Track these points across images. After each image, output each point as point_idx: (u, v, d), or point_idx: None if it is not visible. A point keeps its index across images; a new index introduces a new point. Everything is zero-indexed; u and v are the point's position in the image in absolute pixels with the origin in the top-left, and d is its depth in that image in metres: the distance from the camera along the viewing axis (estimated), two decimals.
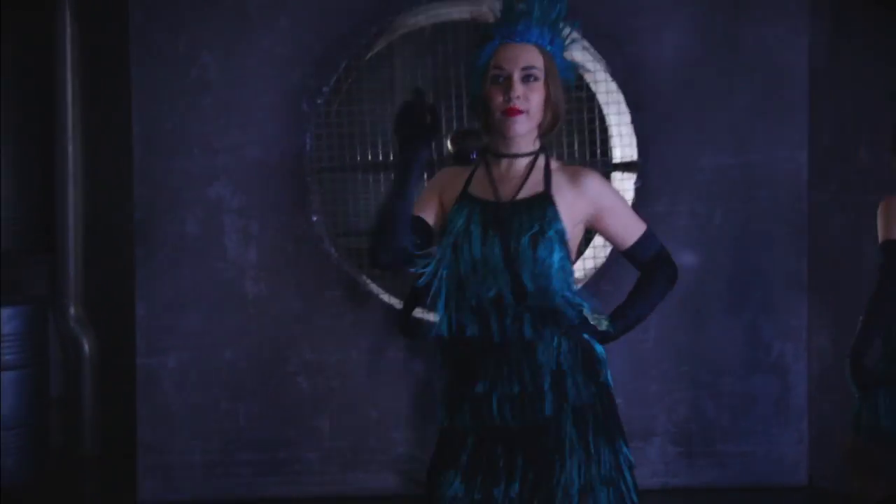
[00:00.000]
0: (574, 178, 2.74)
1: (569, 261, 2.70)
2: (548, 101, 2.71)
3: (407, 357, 5.33)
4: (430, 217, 2.81)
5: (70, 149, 5.79)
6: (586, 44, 5.34)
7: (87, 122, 5.77)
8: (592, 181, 2.74)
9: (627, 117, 5.40)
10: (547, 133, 2.77)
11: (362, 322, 5.39)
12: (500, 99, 2.68)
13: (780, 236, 5.42)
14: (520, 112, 2.67)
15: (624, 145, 5.55)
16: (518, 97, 2.66)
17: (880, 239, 3.92)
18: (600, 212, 2.75)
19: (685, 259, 5.34)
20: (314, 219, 5.36)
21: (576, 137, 5.58)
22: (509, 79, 2.67)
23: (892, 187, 4.99)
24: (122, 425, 5.77)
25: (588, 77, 5.58)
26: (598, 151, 5.61)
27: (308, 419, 5.40)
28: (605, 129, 5.67)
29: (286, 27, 5.40)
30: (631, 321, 2.81)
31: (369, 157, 5.59)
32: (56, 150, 5.84)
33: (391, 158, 5.53)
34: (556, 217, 2.66)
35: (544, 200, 2.69)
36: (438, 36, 5.80)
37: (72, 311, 5.91)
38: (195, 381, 5.39)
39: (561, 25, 2.77)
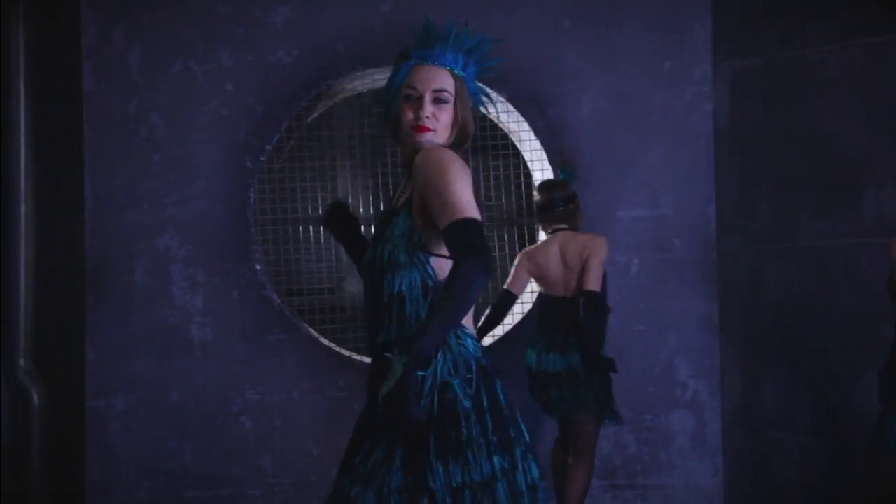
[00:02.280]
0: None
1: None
2: (455, 122, 2.83)
3: (347, 397, 5.58)
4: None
5: (22, 208, 6.01)
6: (511, 107, 5.77)
7: (38, 179, 5.99)
8: (420, 159, 2.72)
9: (550, 173, 5.78)
10: (454, 149, 2.82)
11: (303, 364, 5.65)
12: (410, 116, 2.79)
13: (692, 283, 5.80)
14: (427, 130, 2.79)
15: None
16: (428, 117, 2.78)
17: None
18: (422, 190, 2.69)
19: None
20: (257, 267, 5.66)
21: (503, 191, 5.98)
22: (420, 99, 2.79)
23: (793, 237, 5.44)
24: (71, 469, 5.90)
25: (514, 136, 6.01)
26: (525, 205, 6.02)
27: (252, 457, 5.61)
28: (530, 185, 6.07)
29: (231, 91, 5.71)
30: (425, 346, 2.53)
31: (309, 210, 5.94)
32: (9, 208, 6.06)
33: None
34: (407, 220, 2.74)
35: (405, 207, 2.77)
36: (374, 100, 6.20)
37: (21, 363, 6.08)
38: (142, 422, 5.60)
39: (475, 55, 2.85)
